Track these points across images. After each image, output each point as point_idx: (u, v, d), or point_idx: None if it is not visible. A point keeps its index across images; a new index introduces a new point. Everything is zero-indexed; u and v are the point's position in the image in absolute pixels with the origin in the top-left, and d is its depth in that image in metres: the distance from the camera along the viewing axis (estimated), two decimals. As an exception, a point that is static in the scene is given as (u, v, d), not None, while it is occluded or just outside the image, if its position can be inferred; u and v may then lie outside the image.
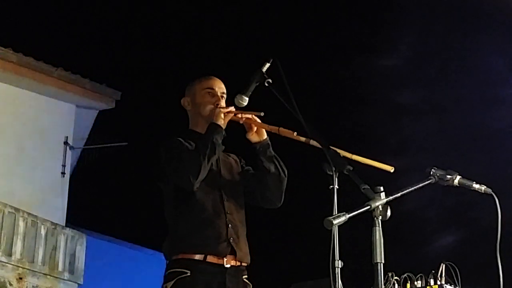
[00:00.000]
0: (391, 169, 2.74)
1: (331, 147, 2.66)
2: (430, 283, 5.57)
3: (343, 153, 2.70)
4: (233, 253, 3.00)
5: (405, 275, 5.68)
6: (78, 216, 13.55)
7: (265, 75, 2.91)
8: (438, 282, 5.54)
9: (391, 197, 2.34)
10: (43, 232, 11.24)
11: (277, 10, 18.14)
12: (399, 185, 2.41)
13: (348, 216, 2.23)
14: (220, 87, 3.26)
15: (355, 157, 2.74)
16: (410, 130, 15.24)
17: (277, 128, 3.02)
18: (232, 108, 3.09)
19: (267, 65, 2.92)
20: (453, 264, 5.53)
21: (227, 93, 3.26)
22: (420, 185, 2.50)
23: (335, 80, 17.26)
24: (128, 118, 17.23)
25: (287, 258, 17.85)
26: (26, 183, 11.71)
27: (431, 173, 2.54)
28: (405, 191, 2.42)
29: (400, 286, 5.65)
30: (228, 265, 2.98)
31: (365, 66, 15.74)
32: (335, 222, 2.20)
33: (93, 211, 17.38)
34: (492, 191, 2.58)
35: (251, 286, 3.13)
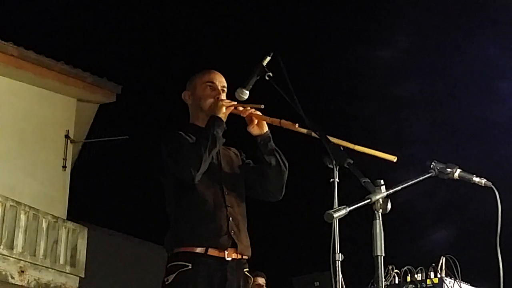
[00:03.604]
0: (394, 158, 2.74)
1: (333, 138, 2.66)
2: (430, 276, 5.58)
3: (345, 143, 2.70)
4: (234, 246, 3.01)
5: (405, 268, 5.69)
6: (79, 210, 13.59)
7: (265, 68, 2.91)
8: (438, 275, 5.55)
9: (391, 191, 2.35)
10: (44, 225, 11.27)
11: (275, 4, 18.13)
12: (397, 178, 2.42)
13: (348, 209, 2.24)
14: (220, 81, 3.26)
15: (358, 148, 2.75)
16: (407, 123, 15.24)
17: (278, 120, 3.02)
18: (233, 102, 3.10)
19: (268, 58, 2.93)
20: (453, 257, 5.54)
21: (228, 87, 3.27)
22: (421, 178, 2.51)
23: (332, 73, 17.26)
24: (128, 112, 17.25)
25: (288, 251, 17.89)
26: (28, 177, 11.73)
27: (432, 166, 2.54)
28: (406, 185, 2.43)
29: (400, 279, 5.66)
30: (229, 258, 2.99)
31: (362, 58, 15.73)
32: (335, 215, 2.21)
33: (94, 204, 17.42)
34: (492, 184, 2.58)
35: (252, 279, 3.15)
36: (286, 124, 2.98)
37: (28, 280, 10.86)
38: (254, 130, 3.14)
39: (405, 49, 14.58)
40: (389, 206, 2.32)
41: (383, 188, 2.33)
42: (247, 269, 3.10)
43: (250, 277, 3.11)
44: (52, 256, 11.29)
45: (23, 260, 10.78)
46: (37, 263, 11.01)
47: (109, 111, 13.60)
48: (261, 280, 6.54)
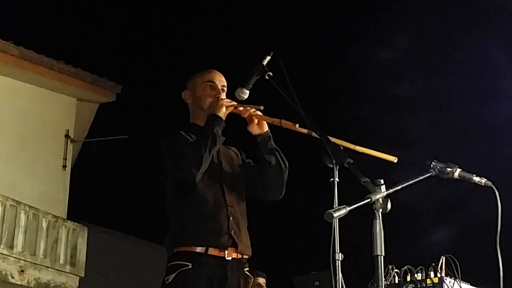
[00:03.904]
0: (394, 159, 2.74)
1: (333, 138, 2.66)
2: (430, 276, 5.58)
3: (346, 144, 2.70)
4: (234, 245, 3.00)
5: (405, 267, 5.69)
6: (79, 209, 13.58)
7: (265, 68, 2.92)
8: (438, 275, 5.56)
9: (391, 190, 2.34)
10: (44, 225, 11.27)
11: (277, 3, 18.13)
12: (397, 178, 2.41)
13: (348, 209, 2.23)
14: (220, 80, 3.26)
15: (358, 148, 2.74)
16: (407, 122, 15.24)
17: (279, 120, 3.02)
18: (233, 102, 3.10)
19: (268, 58, 2.93)
20: (453, 257, 5.54)
21: (228, 86, 3.27)
22: (421, 178, 2.50)
23: (332, 73, 17.26)
24: (128, 111, 17.25)
25: (288, 251, 17.89)
26: (28, 177, 11.73)
27: (432, 165, 2.54)
28: (406, 184, 2.42)
29: (400, 278, 5.67)
30: (230, 258, 2.98)
31: (362, 58, 15.73)
32: (335, 215, 2.21)
33: (94, 204, 17.41)
34: (492, 184, 2.58)
35: (252, 279, 3.15)
36: (286, 124, 2.98)
37: (28, 279, 10.86)
38: (254, 129, 3.14)
39: (406, 49, 14.58)
40: (389, 206, 2.31)
41: (383, 187, 2.33)
42: (247, 269, 3.10)
43: (250, 276, 3.10)
44: (52, 255, 11.29)
45: (23, 260, 10.78)
46: (37, 262, 11.01)
47: (109, 110, 13.60)
48: (262, 280, 6.55)
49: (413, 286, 5.60)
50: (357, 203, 2.27)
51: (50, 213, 11.45)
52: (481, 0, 13.26)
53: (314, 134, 2.79)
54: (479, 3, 13.30)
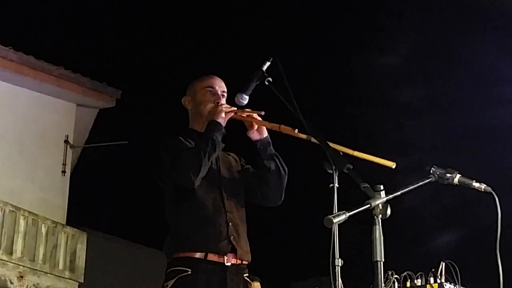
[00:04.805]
0: (392, 165, 2.73)
1: (332, 144, 2.66)
2: (430, 282, 5.58)
3: (344, 149, 2.70)
4: (233, 251, 3.00)
5: (405, 273, 5.69)
6: (78, 215, 13.56)
7: (265, 73, 2.92)
8: (438, 281, 5.55)
9: (391, 196, 2.34)
10: (43, 230, 11.26)
11: (277, 8, 18.14)
12: (398, 184, 2.41)
13: (348, 214, 2.23)
14: (220, 86, 3.26)
15: (357, 154, 2.74)
16: (409, 128, 15.24)
17: (278, 125, 3.02)
18: (233, 107, 3.10)
19: (267, 63, 2.93)
20: (453, 263, 5.54)
21: (228, 92, 3.27)
22: (420, 183, 2.50)
23: (335, 78, 17.27)
24: (128, 117, 17.22)
25: (288, 257, 17.86)
26: (27, 182, 11.72)
27: (431, 171, 2.54)
28: (405, 190, 2.42)
29: (400, 284, 5.66)
30: (229, 264, 2.98)
31: (365, 64, 15.73)
32: (335, 220, 2.20)
33: (94, 209, 17.38)
34: (492, 189, 2.58)
35: (252, 285, 3.14)
36: (285, 129, 2.98)
37: (27, 285, 10.84)
38: (254, 135, 3.14)
39: (408, 56, 14.59)
40: (388, 211, 2.31)
41: (382, 193, 2.32)
42: (247, 275, 3.09)
43: (250, 282, 3.10)
44: (51, 261, 11.28)
45: (22, 265, 10.77)
46: (36, 268, 10.99)
47: (109, 116, 13.60)
48: (256, 284, 6.55)
49: (413, 292, 5.59)
50: (357, 208, 2.27)
51: (49, 219, 11.44)
52: (483, 6, 13.28)
53: (313, 140, 2.78)
54: (481, 9, 13.32)
